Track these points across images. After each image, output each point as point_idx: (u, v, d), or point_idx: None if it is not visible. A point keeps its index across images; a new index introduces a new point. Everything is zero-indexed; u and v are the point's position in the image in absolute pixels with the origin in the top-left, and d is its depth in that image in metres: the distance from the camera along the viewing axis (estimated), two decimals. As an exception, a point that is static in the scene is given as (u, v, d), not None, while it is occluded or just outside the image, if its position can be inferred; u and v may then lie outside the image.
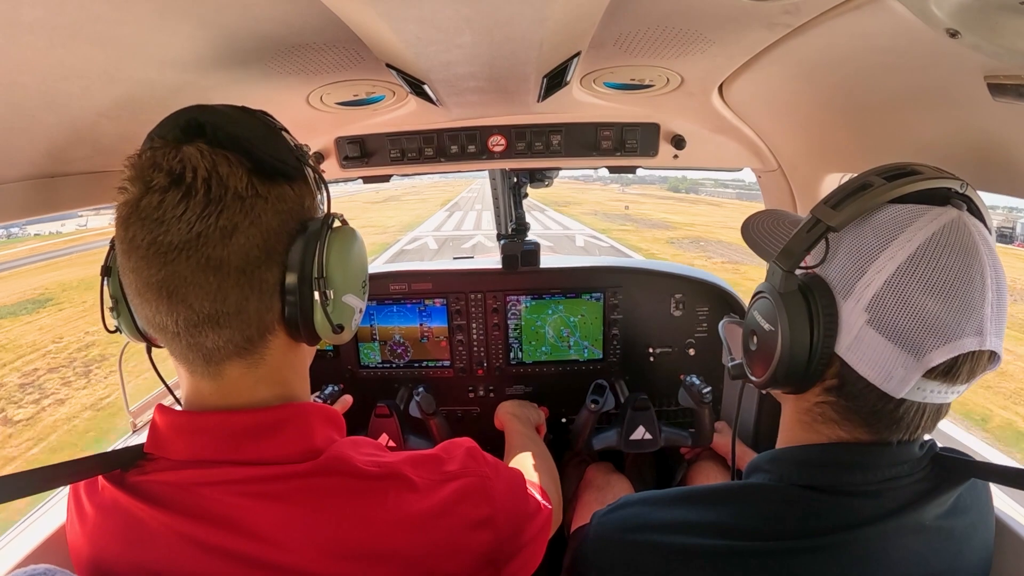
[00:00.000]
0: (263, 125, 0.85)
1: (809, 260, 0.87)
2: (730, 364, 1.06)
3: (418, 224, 39.45)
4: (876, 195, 0.81)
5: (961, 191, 0.82)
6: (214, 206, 0.74)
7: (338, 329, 0.88)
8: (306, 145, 0.91)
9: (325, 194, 0.94)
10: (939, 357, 0.75)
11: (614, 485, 2.04)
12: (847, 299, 0.81)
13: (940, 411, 0.84)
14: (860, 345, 0.81)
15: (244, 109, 0.86)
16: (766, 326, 0.89)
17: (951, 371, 0.77)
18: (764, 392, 0.99)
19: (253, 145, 0.80)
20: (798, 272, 0.86)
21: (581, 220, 41.82)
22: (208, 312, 0.77)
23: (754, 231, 1.07)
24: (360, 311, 0.96)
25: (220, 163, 0.75)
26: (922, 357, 0.75)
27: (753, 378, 0.96)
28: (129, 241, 0.76)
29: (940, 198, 0.81)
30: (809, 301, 0.84)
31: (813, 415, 0.91)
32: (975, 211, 0.83)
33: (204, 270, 0.75)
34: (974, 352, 0.76)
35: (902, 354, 0.77)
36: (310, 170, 0.89)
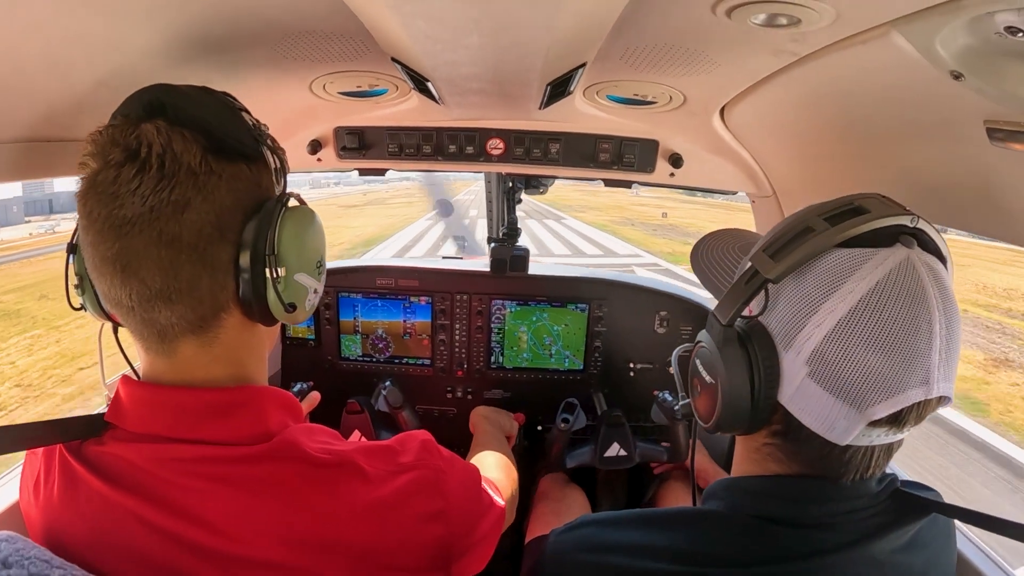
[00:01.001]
0: (222, 105, 0.86)
1: (752, 308, 0.84)
2: (679, 404, 1.05)
3: (384, 238, 31.28)
4: (818, 243, 0.78)
5: (912, 225, 0.79)
6: (167, 181, 0.75)
7: (290, 308, 0.88)
8: (265, 125, 0.92)
9: (284, 174, 0.95)
10: (883, 411, 0.73)
11: (568, 497, 2.04)
12: (788, 351, 0.79)
13: (892, 449, 0.83)
14: (802, 396, 0.79)
15: (205, 89, 0.87)
16: (707, 378, 0.88)
17: (897, 420, 0.76)
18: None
19: (211, 124, 0.81)
20: (739, 320, 0.84)
21: (621, 235, 31.27)
22: (160, 287, 0.77)
23: (703, 259, 1.06)
24: (316, 292, 0.96)
25: (175, 139, 0.76)
26: (865, 410, 0.74)
27: (700, 422, 0.95)
28: (87, 216, 0.77)
29: (888, 237, 0.78)
30: (749, 352, 0.82)
31: (762, 454, 0.90)
32: (927, 242, 0.80)
33: (157, 244, 0.76)
34: (920, 401, 0.74)
35: (844, 407, 0.75)
36: (268, 151, 0.90)
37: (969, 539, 1.23)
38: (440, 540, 0.90)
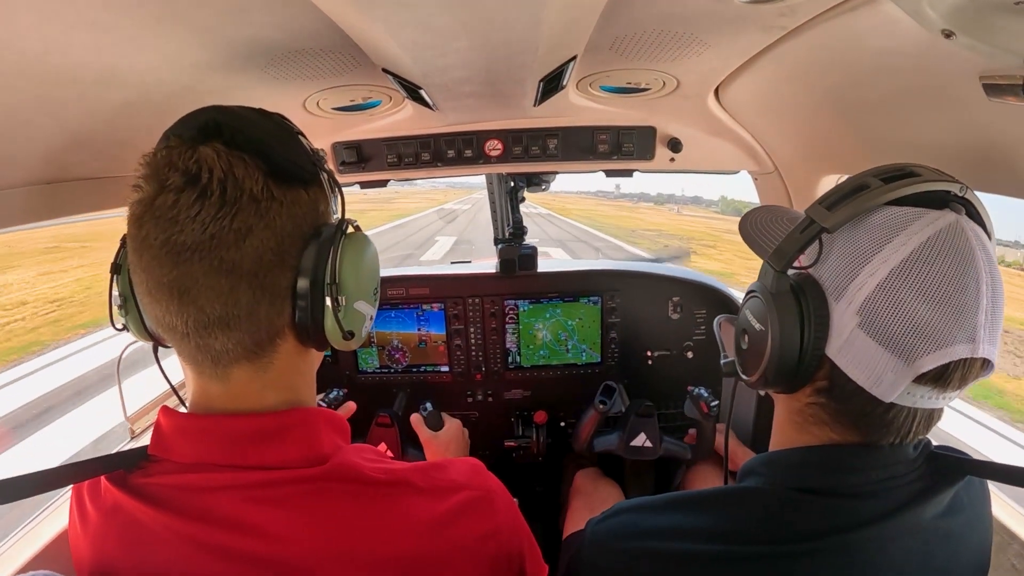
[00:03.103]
0: (280, 128, 0.84)
1: (803, 260, 0.86)
2: (723, 362, 1.05)
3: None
4: (872, 197, 0.80)
5: (960, 194, 0.80)
6: (229, 208, 0.74)
7: (349, 336, 0.87)
8: (322, 150, 0.91)
9: (340, 199, 0.93)
10: (930, 363, 0.74)
11: (601, 490, 2.04)
12: (839, 301, 0.80)
13: (932, 416, 0.83)
14: (850, 348, 0.80)
15: (261, 111, 0.85)
16: (757, 326, 0.89)
17: (942, 377, 0.76)
18: (762, 393, 0.99)
19: (270, 148, 0.79)
20: (791, 272, 0.85)
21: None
22: (219, 314, 0.76)
23: (751, 227, 1.06)
24: (371, 318, 0.95)
25: (236, 165, 0.75)
26: (913, 363, 0.74)
27: (744, 377, 0.96)
28: (142, 240, 0.75)
29: (938, 201, 0.79)
30: (800, 302, 0.83)
31: (804, 416, 0.90)
32: (974, 214, 0.81)
33: (217, 272, 0.74)
34: (966, 359, 0.75)
35: (892, 359, 0.76)
36: (325, 175, 0.89)
37: (1002, 501, 1.22)
38: (494, 559, 0.88)
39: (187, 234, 0.73)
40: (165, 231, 0.73)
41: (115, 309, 0.94)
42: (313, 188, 0.85)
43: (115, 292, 0.93)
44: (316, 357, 0.95)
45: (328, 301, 0.83)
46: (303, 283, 0.81)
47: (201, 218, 0.73)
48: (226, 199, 0.73)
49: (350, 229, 0.89)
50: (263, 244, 0.77)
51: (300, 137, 0.86)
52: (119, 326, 0.96)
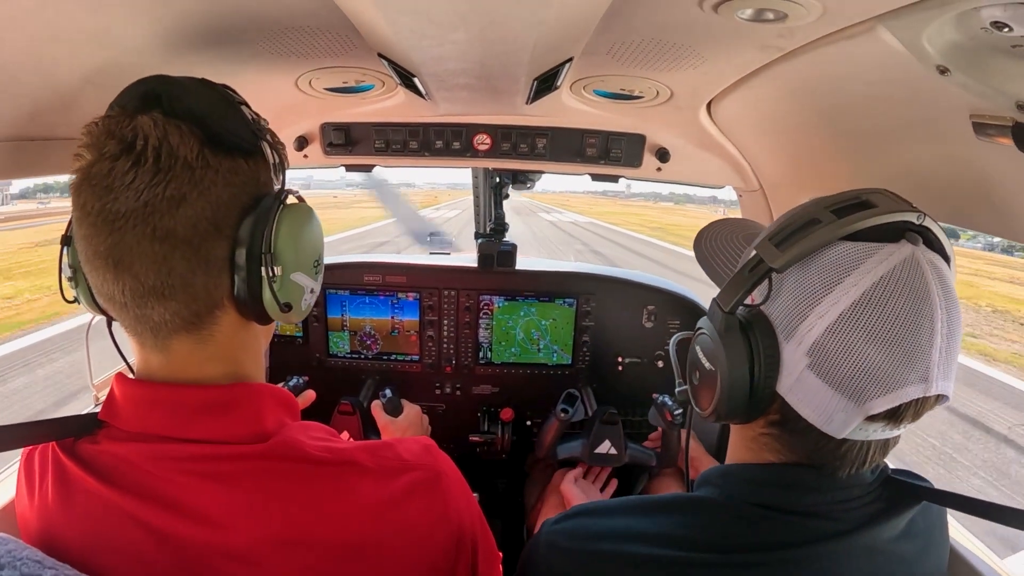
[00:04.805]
0: (221, 98, 0.84)
1: (755, 297, 0.84)
2: (677, 390, 1.04)
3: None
4: (824, 234, 0.77)
5: (918, 223, 0.78)
6: (163, 175, 0.73)
7: (286, 308, 0.86)
8: (264, 120, 0.90)
9: (283, 170, 0.93)
10: (881, 405, 0.73)
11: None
12: (789, 341, 0.79)
13: (888, 444, 0.83)
14: (801, 387, 0.79)
15: (203, 81, 0.84)
16: (707, 365, 0.87)
17: (894, 415, 0.75)
18: None
19: (208, 117, 0.79)
20: (742, 309, 0.84)
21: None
22: (153, 283, 0.76)
23: (706, 247, 1.06)
24: (312, 291, 0.94)
25: (172, 132, 0.74)
26: (863, 404, 0.74)
27: (698, 409, 0.95)
28: (80, 208, 0.75)
29: (894, 233, 0.77)
30: (750, 341, 0.82)
31: (759, 443, 0.90)
32: (933, 241, 0.80)
33: (151, 240, 0.74)
34: (919, 398, 0.74)
35: (843, 400, 0.75)
36: (268, 146, 0.88)
37: (959, 530, 1.24)
38: (445, 544, 0.88)
39: (121, 202, 0.73)
40: (100, 199, 0.73)
41: (65, 281, 0.93)
42: (254, 158, 0.85)
43: (66, 263, 0.92)
44: (262, 331, 0.94)
45: (264, 272, 0.82)
46: (239, 253, 0.81)
47: (135, 185, 0.73)
48: (160, 166, 0.73)
49: (290, 199, 0.89)
50: (198, 212, 0.77)
51: (243, 107, 0.86)
52: (70, 298, 0.94)
